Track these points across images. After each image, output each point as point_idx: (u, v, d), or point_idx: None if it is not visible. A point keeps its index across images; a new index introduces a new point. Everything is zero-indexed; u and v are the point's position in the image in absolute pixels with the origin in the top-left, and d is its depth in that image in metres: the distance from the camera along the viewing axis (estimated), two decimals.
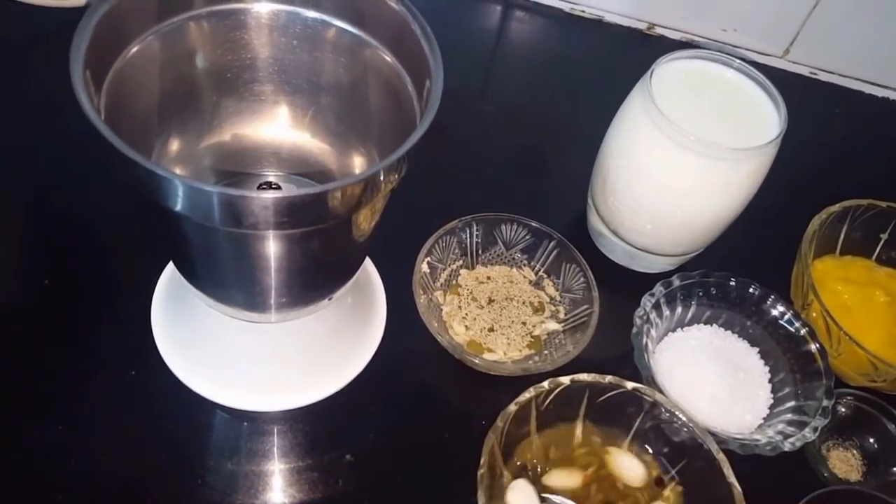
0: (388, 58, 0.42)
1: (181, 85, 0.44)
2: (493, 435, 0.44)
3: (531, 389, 0.46)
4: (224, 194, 0.33)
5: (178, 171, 0.46)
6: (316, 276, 0.44)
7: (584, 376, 0.47)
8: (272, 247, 0.38)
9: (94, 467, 0.47)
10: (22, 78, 0.63)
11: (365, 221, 0.41)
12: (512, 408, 0.45)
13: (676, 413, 0.46)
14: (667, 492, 0.47)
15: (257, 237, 0.37)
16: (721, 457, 0.45)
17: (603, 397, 0.47)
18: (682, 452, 0.47)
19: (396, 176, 0.37)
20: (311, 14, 0.43)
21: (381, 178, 0.36)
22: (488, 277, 0.57)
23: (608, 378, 0.47)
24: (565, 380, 0.46)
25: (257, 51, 0.44)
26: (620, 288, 0.58)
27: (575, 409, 0.48)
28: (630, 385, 0.47)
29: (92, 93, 0.36)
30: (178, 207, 0.35)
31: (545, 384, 0.46)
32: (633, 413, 0.48)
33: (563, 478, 0.47)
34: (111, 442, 0.48)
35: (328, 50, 0.44)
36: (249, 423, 0.50)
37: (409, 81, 0.41)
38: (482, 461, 0.43)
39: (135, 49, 0.40)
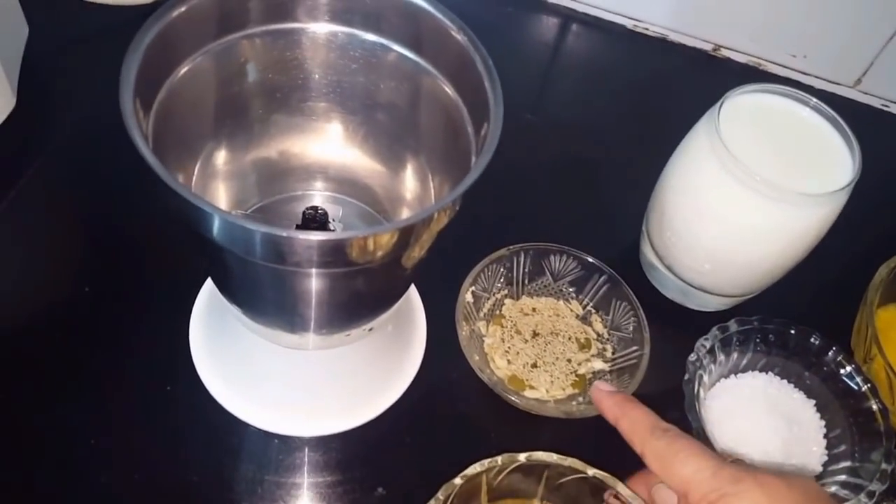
0: (448, 89, 0.40)
1: (230, 103, 0.42)
2: None
3: (483, 463, 0.40)
4: (267, 233, 0.32)
5: (222, 186, 0.45)
6: (358, 310, 0.42)
7: (541, 455, 0.41)
8: (315, 283, 0.37)
9: (124, 482, 0.46)
10: (90, 77, 0.62)
11: (413, 258, 0.39)
12: (457, 481, 0.40)
13: None
14: None
15: (300, 273, 0.36)
16: None
17: (561, 480, 0.42)
18: None
19: (448, 217, 0.36)
20: (371, 37, 0.41)
21: (434, 219, 0.34)
22: (533, 309, 0.55)
23: (569, 461, 0.41)
24: (521, 457, 0.41)
25: (311, 71, 0.43)
26: (670, 325, 0.56)
27: (532, 487, 0.43)
28: (591, 472, 0.41)
29: (141, 118, 0.35)
30: (220, 240, 0.33)
31: (498, 459, 0.40)
32: (594, 501, 0.42)
33: None
34: (143, 457, 0.47)
35: (385, 75, 0.42)
36: (282, 446, 0.49)
37: (468, 115, 0.39)
38: None
39: (185, 69, 0.38)
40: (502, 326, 0.54)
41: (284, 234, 0.32)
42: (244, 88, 0.42)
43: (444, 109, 0.40)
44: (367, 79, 0.42)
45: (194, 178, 0.43)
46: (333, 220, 0.48)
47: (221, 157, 0.45)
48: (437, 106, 0.41)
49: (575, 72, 0.75)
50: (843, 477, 0.49)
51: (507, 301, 0.55)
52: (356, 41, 0.41)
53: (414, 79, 0.41)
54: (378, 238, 0.33)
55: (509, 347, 0.53)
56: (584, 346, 0.54)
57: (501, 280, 0.54)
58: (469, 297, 0.52)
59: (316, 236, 0.32)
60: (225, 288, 0.44)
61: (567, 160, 0.67)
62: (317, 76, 0.43)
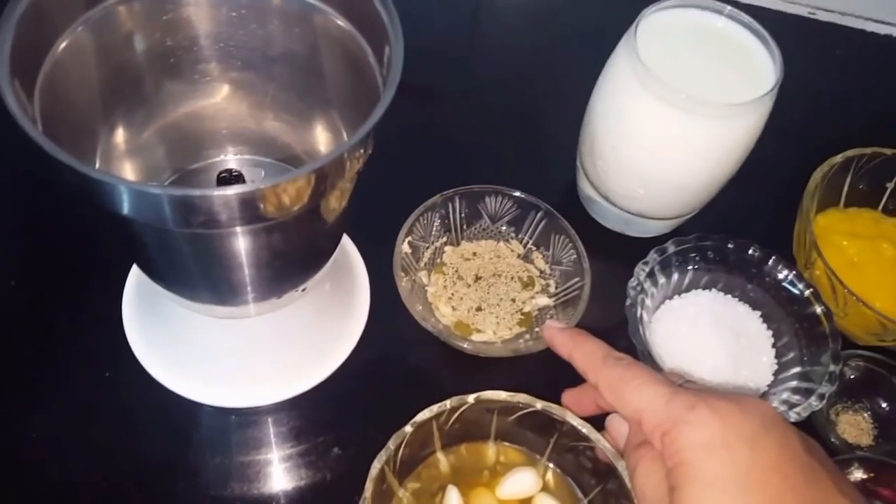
0: (342, 23, 0.39)
1: (121, 74, 0.41)
2: (385, 455, 0.38)
3: (432, 408, 0.40)
4: (169, 195, 0.31)
5: (129, 164, 0.43)
6: (285, 270, 0.41)
7: (490, 394, 0.41)
8: (233, 244, 0.36)
9: (74, 473, 0.45)
10: None
11: (333, 207, 0.38)
12: (407, 429, 0.39)
13: (585, 433, 0.40)
14: None
15: (216, 235, 0.35)
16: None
17: (512, 417, 0.42)
18: (599, 476, 0.42)
19: (362, 155, 0.34)
20: None
21: (345, 161, 0.33)
22: (474, 253, 0.54)
23: (517, 397, 0.41)
24: (470, 398, 0.40)
25: (199, 30, 0.41)
26: (614, 255, 0.56)
27: (485, 429, 0.43)
28: (540, 405, 0.40)
29: (24, 100, 0.33)
30: (127, 212, 0.32)
31: (447, 403, 0.40)
32: (546, 433, 0.42)
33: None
34: (90, 447, 0.46)
35: (276, 20, 0.40)
36: (233, 420, 0.48)
37: (368, 48, 0.38)
38: (367, 488, 0.37)
39: (64, 43, 0.36)
40: (444, 274, 0.53)
41: (185, 193, 0.31)
42: (133, 57, 0.40)
43: (342, 45, 0.39)
44: (260, 28, 0.41)
45: (97, 160, 0.41)
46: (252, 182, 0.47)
47: (122, 133, 0.43)
48: (334, 44, 0.39)
49: (501, 10, 0.74)
50: (794, 383, 0.50)
51: (448, 248, 0.54)
52: None
53: (306, 19, 0.39)
54: (289, 186, 0.32)
55: (452, 294, 0.52)
56: (528, 284, 0.53)
57: (438, 227, 0.53)
58: (406, 248, 0.51)
59: (219, 191, 0.31)
60: (150, 268, 0.43)
61: (501, 101, 0.66)
62: (207, 35, 0.41)
